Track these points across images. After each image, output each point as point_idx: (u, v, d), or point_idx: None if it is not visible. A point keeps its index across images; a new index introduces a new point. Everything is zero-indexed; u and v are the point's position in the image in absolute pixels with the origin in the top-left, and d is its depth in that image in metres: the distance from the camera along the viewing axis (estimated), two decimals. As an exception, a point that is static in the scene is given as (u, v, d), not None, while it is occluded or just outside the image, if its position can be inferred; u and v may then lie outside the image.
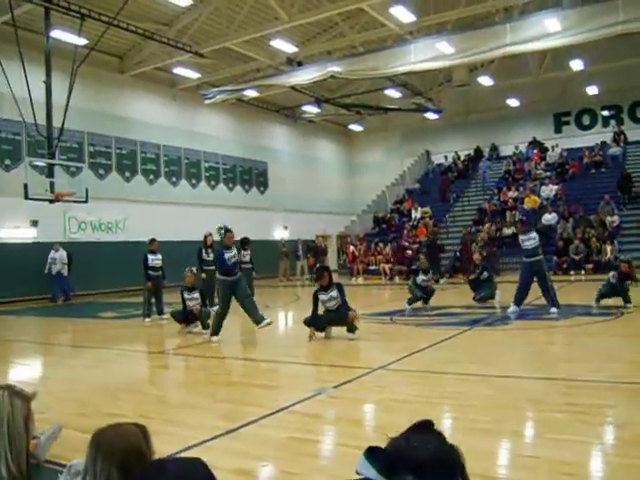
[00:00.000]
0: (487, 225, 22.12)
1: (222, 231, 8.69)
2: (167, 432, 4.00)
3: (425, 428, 1.27)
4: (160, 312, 11.68)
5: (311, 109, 26.16)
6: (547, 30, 13.44)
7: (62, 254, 16.85)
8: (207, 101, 19.95)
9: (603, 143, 25.38)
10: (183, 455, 3.46)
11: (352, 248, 23.88)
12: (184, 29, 18.48)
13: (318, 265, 9.33)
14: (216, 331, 8.54)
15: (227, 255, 8.47)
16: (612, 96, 25.52)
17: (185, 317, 9.85)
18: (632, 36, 14.63)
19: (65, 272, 16.90)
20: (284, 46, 19.15)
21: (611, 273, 10.28)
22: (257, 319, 8.48)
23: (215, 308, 11.98)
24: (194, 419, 4.48)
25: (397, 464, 1.19)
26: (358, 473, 1.25)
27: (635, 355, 6.36)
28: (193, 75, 21.10)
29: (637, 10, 12.33)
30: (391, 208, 27.84)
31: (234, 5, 17.91)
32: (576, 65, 22.38)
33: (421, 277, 11.77)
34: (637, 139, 25.14)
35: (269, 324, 8.46)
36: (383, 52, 16.39)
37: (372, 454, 1.24)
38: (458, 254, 20.09)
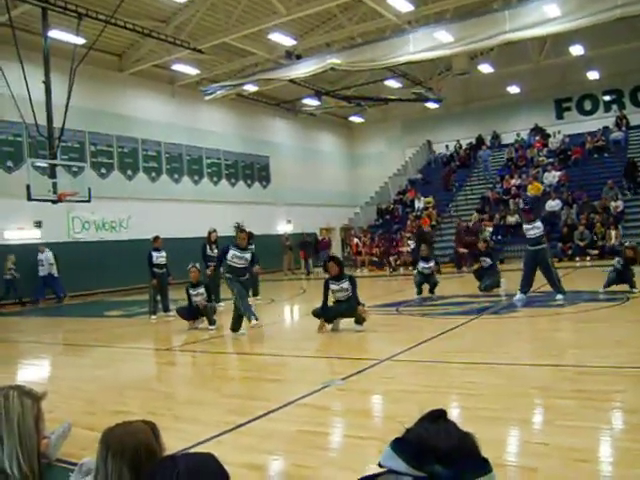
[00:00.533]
0: (474, 215, 22.07)
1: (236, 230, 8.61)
2: (176, 428, 4.01)
3: (439, 417, 1.24)
4: (166, 309, 11.69)
5: (311, 102, 26.07)
6: (546, 16, 13.34)
7: (48, 255, 16.81)
8: (207, 97, 19.90)
9: (605, 128, 25.26)
10: (193, 451, 3.46)
11: (356, 240, 23.88)
12: (182, 25, 18.44)
13: (326, 258, 9.31)
14: (254, 315, 8.35)
15: (232, 252, 8.41)
16: (613, 80, 25.37)
17: (191, 313, 9.82)
18: (631, 19, 14.52)
19: (55, 273, 16.87)
20: (282, 39, 19.09)
21: (616, 259, 10.27)
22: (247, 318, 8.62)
23: (222, 304, 12.06)
24: (203, 415, 4.48)
25: (422, 454, 1.16)
26: (381, 466, 1.22)
27: (642, 340, 6.34)
28: (192, 71, 21.08)
29: (636, -7, 12.23)
30: (394, 199, 27.81)
31: (231, 0, 17.85)
32: (576, 50, 22.26)
33: (422, 264, 12.26)
34: (639, 123, 25.00)
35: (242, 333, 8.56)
36: (382, 43, 16.29)
37: (399, 445, 1.20)
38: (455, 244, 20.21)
